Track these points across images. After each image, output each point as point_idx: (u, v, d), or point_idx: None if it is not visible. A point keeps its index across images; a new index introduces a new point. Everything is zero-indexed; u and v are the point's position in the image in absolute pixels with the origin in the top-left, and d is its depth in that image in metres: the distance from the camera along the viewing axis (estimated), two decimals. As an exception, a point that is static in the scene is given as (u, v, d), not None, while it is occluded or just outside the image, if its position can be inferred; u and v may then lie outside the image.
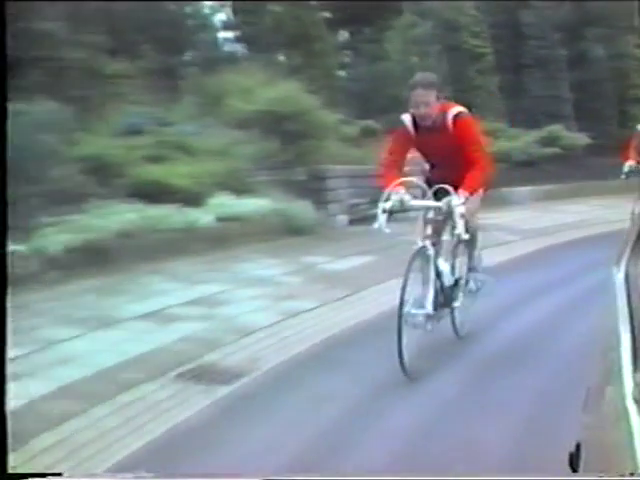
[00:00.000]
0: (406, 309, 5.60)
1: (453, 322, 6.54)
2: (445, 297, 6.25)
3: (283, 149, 11.73)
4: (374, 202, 11.29)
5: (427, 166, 6.45)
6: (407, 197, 5.83)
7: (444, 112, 6.02)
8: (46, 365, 5.45)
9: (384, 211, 5.72)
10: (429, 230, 5.93)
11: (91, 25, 12.45)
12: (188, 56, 23.11)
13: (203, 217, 9.67)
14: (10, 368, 5.22)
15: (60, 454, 4.13)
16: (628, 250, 2.84)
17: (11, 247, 7.69)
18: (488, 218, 13.16)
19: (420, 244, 5.85)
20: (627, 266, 2.68)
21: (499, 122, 18.92)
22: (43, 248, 7.90)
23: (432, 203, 5.94)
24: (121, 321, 6.59)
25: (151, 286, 7.79)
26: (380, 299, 7.49)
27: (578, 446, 2.08)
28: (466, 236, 5.93)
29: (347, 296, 7.72)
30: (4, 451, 2.80)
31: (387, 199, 5.74)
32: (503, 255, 10.32)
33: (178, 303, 7.13)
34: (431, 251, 5.91)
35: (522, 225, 13.12)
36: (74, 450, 4.17)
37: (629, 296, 2.33)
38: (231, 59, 23.21)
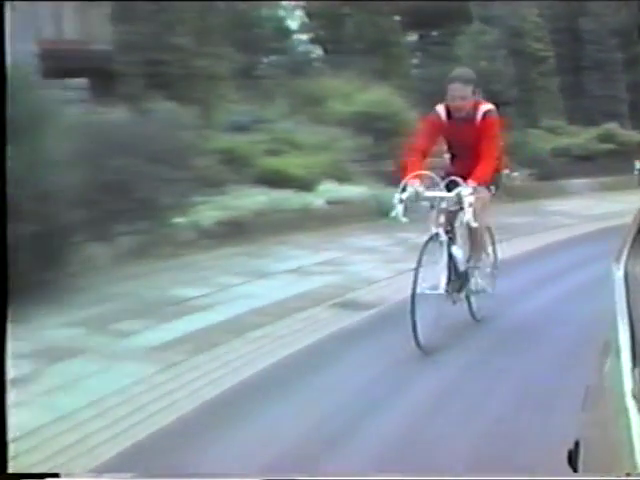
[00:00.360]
0: (420, 290, 5.99)
1: (470, 306, 6.92)
2: (460, 281, 6.63)
3: (376, 144, 13.72)
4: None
5: (448, 157, 6.88)
6: (421, 188, 6.17)
7: (476, 107, 6.42)
8: (232, 299, 7.50)
9: (401, 201, 6.08)
10: (442, 219, 6.30)
11: (214, 37, 14.54)
12: (266, 57, 24.50)
13: (315, 200, 11.71)
14: (196, 302, 7.30)
15: (266, 341, 6.21)
16: (627, 248, 2.82)
17: (174, 220, 9.83)
18: (551, 205, 15.22)
19: (434, 231, 6.25)
20: (626, 264, 2.68)
21: (560, 120, 20.58)
22: (197, 221, 9.98)
23: (444, 194, 6.28)
24: (272, 274, 8.64)
25: (284, 252, 9.82)
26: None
27: (577, 444, 2.11)
28: (475, 224, 6.24)
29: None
30: (4, 451, 2.80)
31: (403, 190, 6.11)
32: (564, 235, 12.24)
33: (310, 263, 9.17)
34: (444, 238, 6.28)
35: (580, 211, 14.93)
36: (276, 339, 6.27)
37: (628, 294, 2.32)
38: (307, 61, 24.90)
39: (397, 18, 22.90)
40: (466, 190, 6.12)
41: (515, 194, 15.74)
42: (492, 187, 6.57)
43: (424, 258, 6.10)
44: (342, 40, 22.82)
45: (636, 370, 1.74)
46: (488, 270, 7.07)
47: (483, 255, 6.94)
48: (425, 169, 6.31)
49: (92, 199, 8.42)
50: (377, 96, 13.78)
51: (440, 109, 6.51)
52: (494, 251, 7.22)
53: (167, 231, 9.55)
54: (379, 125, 13.63)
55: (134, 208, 9.14)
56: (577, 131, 19.93)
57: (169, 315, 6.84)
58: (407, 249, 10.40)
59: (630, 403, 1.60)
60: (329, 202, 11.81)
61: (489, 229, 7.02)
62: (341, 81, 15.26)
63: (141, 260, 8.77)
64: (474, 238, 6.66)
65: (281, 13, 27.06)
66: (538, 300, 7.87)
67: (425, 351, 5.94)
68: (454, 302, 6.59)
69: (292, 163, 12.02)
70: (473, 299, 6.92)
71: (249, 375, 5.45)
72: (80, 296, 7.36)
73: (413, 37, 25.91)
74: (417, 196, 6.17)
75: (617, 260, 2.81)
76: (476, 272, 6.88)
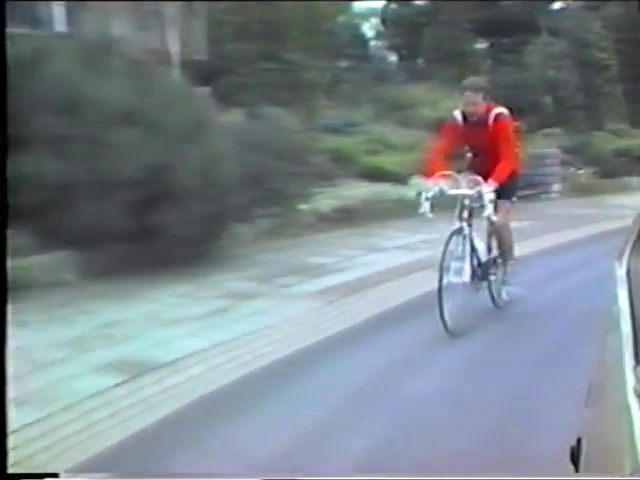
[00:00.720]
0: (445, 279, 6.60)
1: (491, 294, 7.44)
2: (482, 271, 7.16)
3: (457, 145, 15.72)
4: (529, 185, 15.18)
5: (470, 156, 7.43)
6: (446, 187, 6.76)
7: (488, 111, 6.92)
8: (356, 265, 9.58)
9: (427, 199, 6.74)
10: (465, 214, 6.86)
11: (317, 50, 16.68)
12: (342, 63, 26.04)
13: (409, 192, 13.73)
14: (330, 267, 9.37)
15: (392, 290, 8.26)
16: (630, 246, 2.85)
17: (298, 206, 11.91)
18: (614, 199, 17.06)
19: (457, 225, 6.86)
20: (629, 262, 2.70)
21: (623, 124, 22.25)
22: (316, 208, 12.09)
23: (466, 191, 6.76)
24: (383, 249, 10.71)
25: (388, 234, 11.88)
26: (543, 244, 11.40)
27: (579, 441, 2.14)
28: (494, 218, 6.87)
29: (523, 240, 11.65)
30: (4, 451, 2.83)
31: (429, 189, 6.78)
32: (625, 222, 14.13)
33: (413, 242, 11.20)
34: (467, 231, 6.86)
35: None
36: (400, 290, 8.30)
37: (630, 291, 2.33)
38: (384, 67, 26.68)
39: (468, 26, 24.74)
40: (486, 188, 6.65)
41: (582, 190, 17.63)
42: (514, 198, 7.25)
43: (449, 250, 6.72)
44: (416, 47, 24.64)
45: (638, 367, 1.73)
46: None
47: (510, 246, 7.45)
48: (449, 168, 6.97)
49: (236, 188, 10.52)
50: (459, 104, 15.77)
51: (457, 114, 7.13)
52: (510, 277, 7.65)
53: (293, 216, 11.64)
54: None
55: (268, 196, 11.22)
56: (638, 134, 21.28)
57: (313, 274, 8.94)
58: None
59: (632, 400, 1.59)
60: (420, 194, 13.81)
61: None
62: (424, 89, 17.29)
63: (275, 238, 10.88)
64: (495, 231, 7.30)
65: (357, 21, 28.73)
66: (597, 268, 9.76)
67: (452, 334, 6.50)
68: (477, 290, 7.14)
69: (388, 161, 14.08)
70: (494, 287, 7.41)
71: (388, 308, 7.57)
72: (236, 262, 9.51)
73: (484, 44, 27.67)
74: (442, 194, 6.80)
75: (619, 258, 2.80)
76: (500, 267, 7.45)
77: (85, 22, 14.42)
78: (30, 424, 4.56)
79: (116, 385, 5.24)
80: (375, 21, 29.17)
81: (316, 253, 10.21)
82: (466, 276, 6.79)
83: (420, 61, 26.05)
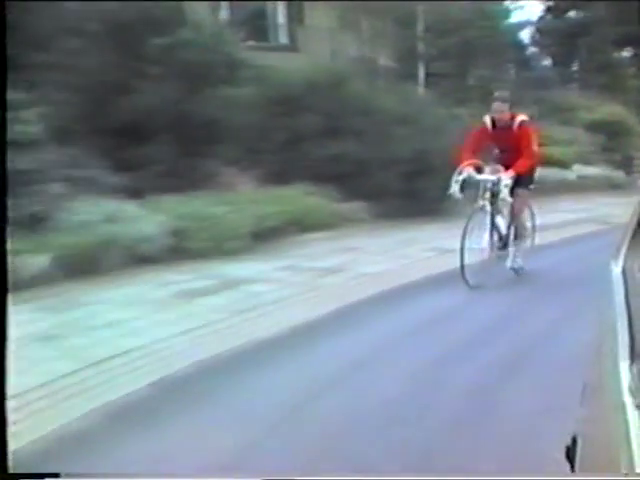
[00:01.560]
0: (467, 246, 7.59)
1: (512, 262, 8.41)
2: (502, 243, 8.16)
3: (608, 140, 20.37)
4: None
5: (497, 152, 8.36)
6: (473, 173, 7.66)
7: (513, 118, 7.92)
8: (547, 219, 14.30)
9: (456, 182, 7.55)
10: (487, 195, 7.84)
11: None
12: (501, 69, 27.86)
13: (570, 175, 18.49)
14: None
15: (553, 233, 13.13)
16: (626, 245, 2.89)
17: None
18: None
19: (480, 203, 7.82)
20: (625, 260, 2.73)
21: None
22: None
23: (489, 177, 7.81)
24: (552, 212, 15.39)
25: (555, 205, 16.51)
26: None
27: (574, 439, 2.15)
28: (509, 199, 7.87)
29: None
30: (4, 451, 2.86)
31: (460, 174, 7.61)
32: None
33: (573, 209, 15.83)
34: (488, 208, 7.84)
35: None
36: (559, 233, 13.17)
37: (626, 290, 2.35)
38: (539, 71, 30.39)
39: (615, 38, 28.21)
40: (505, 175, 7.82)
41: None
42: (531, 186, 8.42)
43: (471, 222, 7.78)
44: (570, 55, 28.43)
45: (633, 366, 1.72)
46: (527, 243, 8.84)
47: (525, 226, 8.68)
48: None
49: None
50: (610, 109, 20.42)
51: (487, 120, 8.14)
52: (533, 226, 9.05)
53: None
54: (610, 128, 20.28)
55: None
56: None
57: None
58: (631, 204, 17.13)
59: (627, 399, 1.58)
60: (579, 177, 18.54)
61: (530, 208, 8.92)
62: (579, 95, 21.88)
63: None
64: (511, 209, 8.36)
65: (514, 29, 32.23)
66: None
67: (470, 286, 7.56)
68: (498, 257, 8.20)
69: (555, 151, 18.75)
70: (512, 256, 8.44)
71: (568, 236, 12.36)
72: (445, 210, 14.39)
73: (629, 54, 30.83)
74: (469, 178, 7.73)
75: (615, 257, 2.84)
76: (517, 239, 8.56)
77: (301, 36, 19.35)
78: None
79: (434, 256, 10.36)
80: (531, 30, 32.56)
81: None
82: (484, 243, 7.95)
83: (574, 67, 30.00)
